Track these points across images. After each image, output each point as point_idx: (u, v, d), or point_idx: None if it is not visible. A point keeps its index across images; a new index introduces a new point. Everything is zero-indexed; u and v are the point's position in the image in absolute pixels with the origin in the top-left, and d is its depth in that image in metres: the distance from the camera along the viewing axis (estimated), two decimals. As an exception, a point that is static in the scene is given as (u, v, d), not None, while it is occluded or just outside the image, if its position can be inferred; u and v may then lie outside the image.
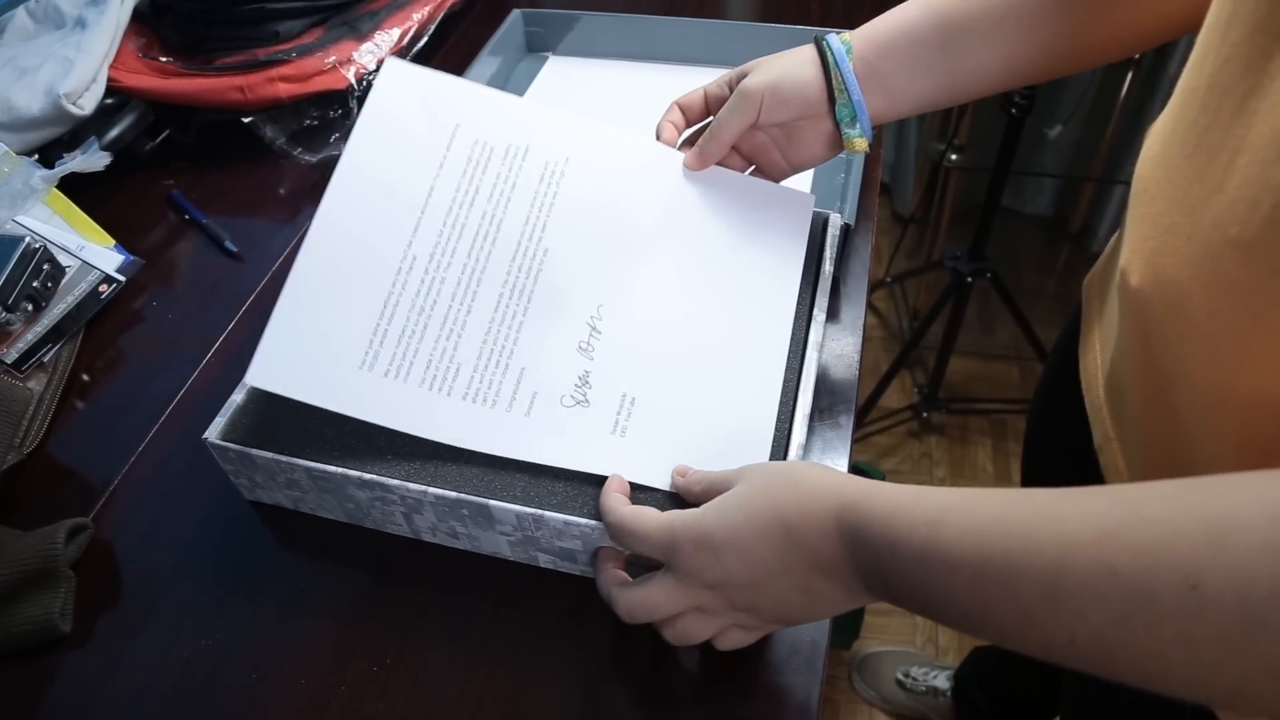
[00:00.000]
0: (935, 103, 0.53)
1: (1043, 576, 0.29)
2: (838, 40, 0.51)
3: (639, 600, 0.42)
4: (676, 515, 0.41)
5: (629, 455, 0.49)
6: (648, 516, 0.43)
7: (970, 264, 1.41)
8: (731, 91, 0.54)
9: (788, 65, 0.52)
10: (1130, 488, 0.30)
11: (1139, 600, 0.27)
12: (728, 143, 0.54)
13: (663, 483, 0.48)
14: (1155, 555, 0.27)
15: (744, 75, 0.53)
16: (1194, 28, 0.40)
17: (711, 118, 0.56)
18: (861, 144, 0.53)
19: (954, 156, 1.59)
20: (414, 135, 0.53)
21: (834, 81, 0.51)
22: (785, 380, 0.52)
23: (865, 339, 0.62)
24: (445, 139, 0.53)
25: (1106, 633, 0.28)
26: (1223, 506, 0.27)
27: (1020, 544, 0.30)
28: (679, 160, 0.56)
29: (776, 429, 0.51)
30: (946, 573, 0.32)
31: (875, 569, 0.36)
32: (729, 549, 0.39)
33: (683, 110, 0.57)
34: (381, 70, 0.54)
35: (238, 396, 0.53)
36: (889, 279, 1.79)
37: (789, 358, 0.53)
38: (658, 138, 0.56)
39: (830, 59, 0.51)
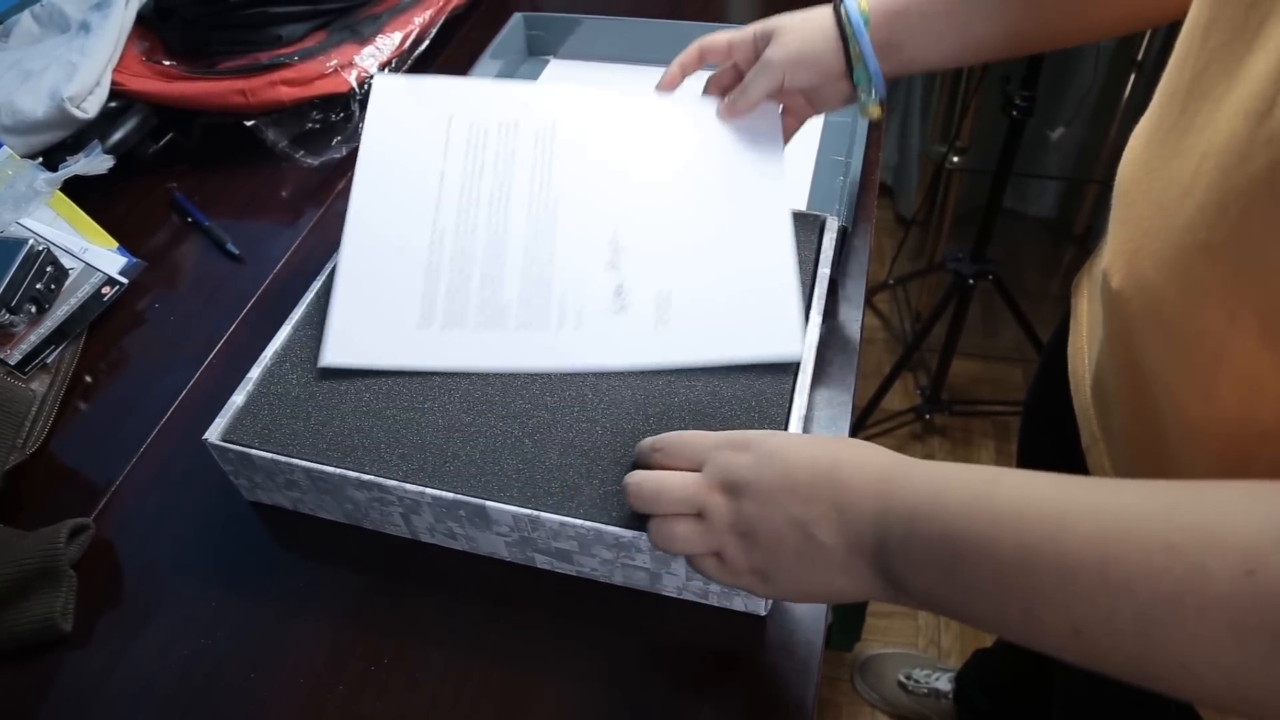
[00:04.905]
0: (942, 67, 0.58)
1: (1095, 540, 0.28)
2: (856, 10, 0.55)
3: (655, 478, 0.42)
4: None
5: (677, 341, 0.54)
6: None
7: (972, 265, 1.41)
8: (755, 47, 0.59)
9: (810, 36, 0.57)
10: (1194, 481, 0.29)
11: (1193, 579, 0.26)
12: (756, 102, 0.61)
13: (713, 359, 0.53)
14: (1215, 536, 0.26)
15: (768, 36, 0.58)
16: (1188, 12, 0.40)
17: (727, 60, 0.62)
18: (875, 111, 0.59)
19: (956, 158, 1.59)
20: (415, 133, 0.62)
21: (852, 51, 0.56)
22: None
23: (866, 341, 0.63)
24: (443, 129, 0.62)
25: (1152, 611, 0.27)
26: None
27: (1078, 506, 0.29)
28: (648, 101, 0.63)
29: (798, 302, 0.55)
30: (990, 523, 0.31)
31: (903, 522, 0.34)
32: (773, 455, 0.39)
33: (704, 52, 0.62)
34: (373, 87, 0.63)
35: (238, 398, 0.53)
36: (891, 281, 1.79)
37: (788, 358, 0.53)
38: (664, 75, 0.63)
39: (849, 30, 0.55)
